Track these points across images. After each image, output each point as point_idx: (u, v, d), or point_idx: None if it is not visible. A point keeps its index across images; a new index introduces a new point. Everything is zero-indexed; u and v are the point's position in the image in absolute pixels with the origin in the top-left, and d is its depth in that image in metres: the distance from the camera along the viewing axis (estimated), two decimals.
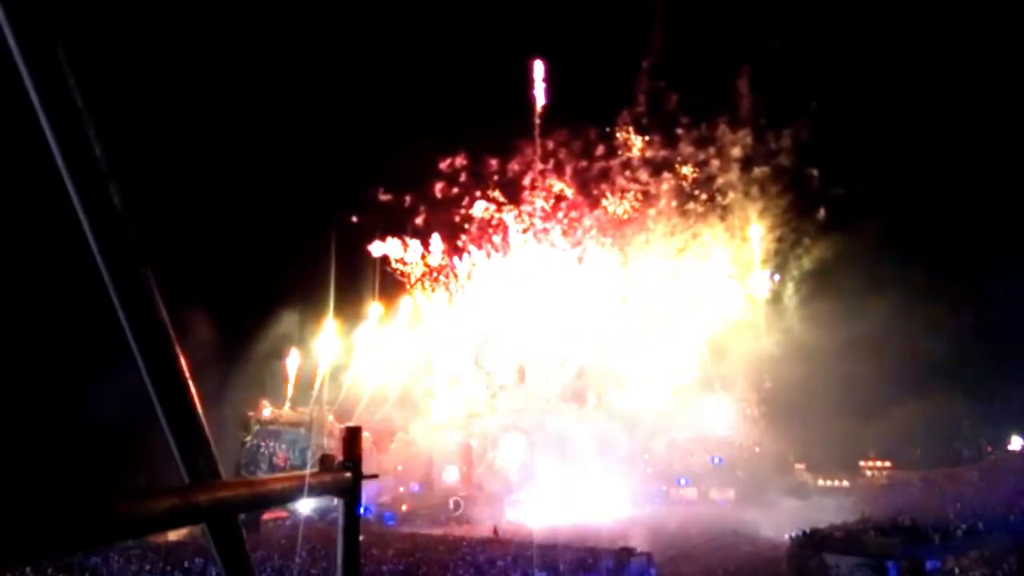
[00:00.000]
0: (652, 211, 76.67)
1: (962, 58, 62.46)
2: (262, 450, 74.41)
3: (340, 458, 3.34)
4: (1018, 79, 61.28)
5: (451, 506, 68.74)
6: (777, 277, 74.05)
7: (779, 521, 54.39)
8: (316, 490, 2.97)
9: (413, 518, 66.01)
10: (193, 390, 2.34)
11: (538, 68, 74.01)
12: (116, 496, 1.81)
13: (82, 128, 2.04)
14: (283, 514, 55.70)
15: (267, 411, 75.81)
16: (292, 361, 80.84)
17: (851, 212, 67.27)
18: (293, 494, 2.77)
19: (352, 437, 3.30)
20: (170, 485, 2.12)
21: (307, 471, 2.99)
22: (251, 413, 75.45)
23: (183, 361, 2.26)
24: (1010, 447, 69.73)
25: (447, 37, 65.66)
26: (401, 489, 72.80)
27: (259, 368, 77.31)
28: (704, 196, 75.27)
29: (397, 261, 79.25)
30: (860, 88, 65.45)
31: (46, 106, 1.97)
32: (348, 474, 3.23)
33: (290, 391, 78.50)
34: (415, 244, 79.86)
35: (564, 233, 79.14)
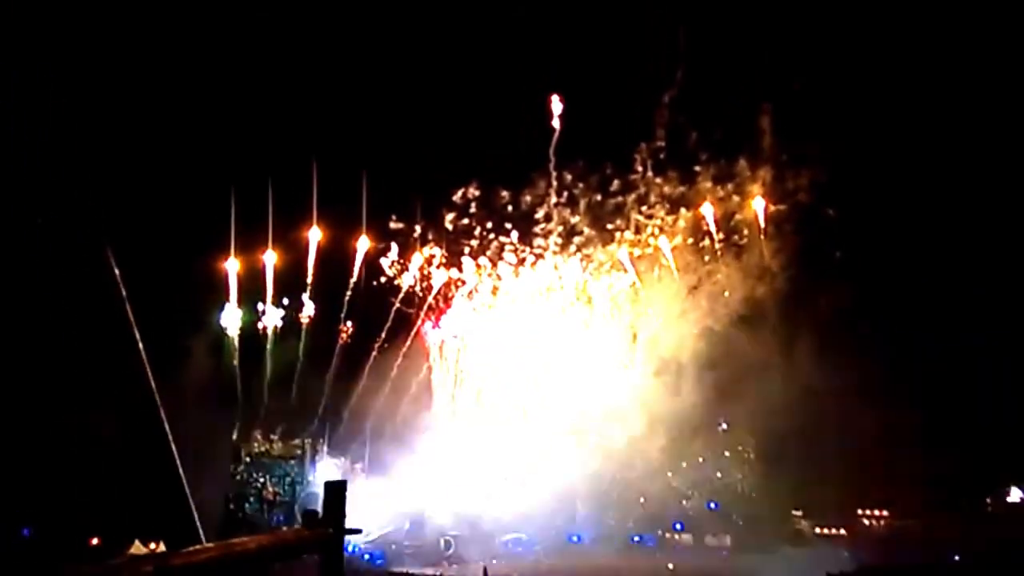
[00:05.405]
0: (667, 247, 75.90)
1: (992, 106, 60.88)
2: (252, 483, 73.45)
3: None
4: None
5: (442, 545, 67.45)
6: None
7: (777, 569, 53.40)
8: (296, 550, 2.91)
9: (403, 557, 64.77)
10: (174, 449, 2.30)
11: (556, 102, 73.82)
12: (82, 565, 1.77)
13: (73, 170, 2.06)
14: None
15: (257, 443, 74.77)
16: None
17: (865, 258, 66.39)
18: (273, 555, 2.71)
19: (335, 492, 3.24)
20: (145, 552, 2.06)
21: (290, 528, 2.93)
22: (242, 444, 74.46)
23: (165, 423, 2.23)
24: (1009, 499, 69.07)
25: (467, 67, 65.42)
26: (391, 527, 71.48)
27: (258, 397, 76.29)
28: (720, 234, 74.38)
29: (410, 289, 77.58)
30: (882, 130, 64.39)
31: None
32: (330, 530, 3.17)
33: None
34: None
35: (581, 260, 78.03)
